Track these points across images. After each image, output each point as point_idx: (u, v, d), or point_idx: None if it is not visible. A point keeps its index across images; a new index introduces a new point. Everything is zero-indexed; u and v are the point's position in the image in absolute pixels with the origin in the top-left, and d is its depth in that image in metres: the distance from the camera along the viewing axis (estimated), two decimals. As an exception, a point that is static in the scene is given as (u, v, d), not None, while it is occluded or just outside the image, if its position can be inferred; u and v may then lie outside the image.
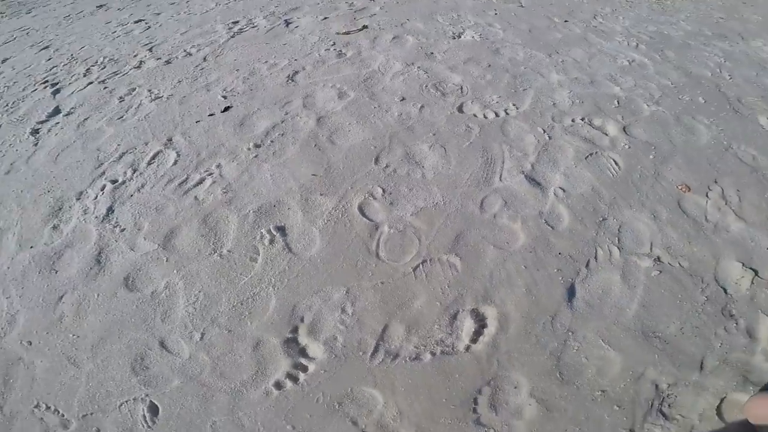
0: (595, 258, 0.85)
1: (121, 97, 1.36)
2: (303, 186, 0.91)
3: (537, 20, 1.81)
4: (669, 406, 0.76)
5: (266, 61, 1.41)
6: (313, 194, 0.89)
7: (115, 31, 2.04)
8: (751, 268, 0.90)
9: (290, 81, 1.26)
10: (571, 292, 0.80)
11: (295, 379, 0.67)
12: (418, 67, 1.28)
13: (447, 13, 1.77)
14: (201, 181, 0.95)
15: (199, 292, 0.76)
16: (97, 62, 1.68)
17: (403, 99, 1.11)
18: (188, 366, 0.67)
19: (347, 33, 1.53)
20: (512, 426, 0.69)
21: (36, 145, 1.20)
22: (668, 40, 1.94)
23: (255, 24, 1.79)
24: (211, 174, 0.97)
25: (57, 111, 1.36)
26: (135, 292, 0.78)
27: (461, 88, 1.17)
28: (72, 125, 1.25)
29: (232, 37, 1.69)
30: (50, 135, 1.23)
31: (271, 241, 0.82)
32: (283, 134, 1.05)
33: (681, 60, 1.69)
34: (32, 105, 1.43)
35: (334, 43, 1.48)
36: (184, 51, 1.63)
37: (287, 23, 1.73)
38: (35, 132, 1.26)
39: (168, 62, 1.55)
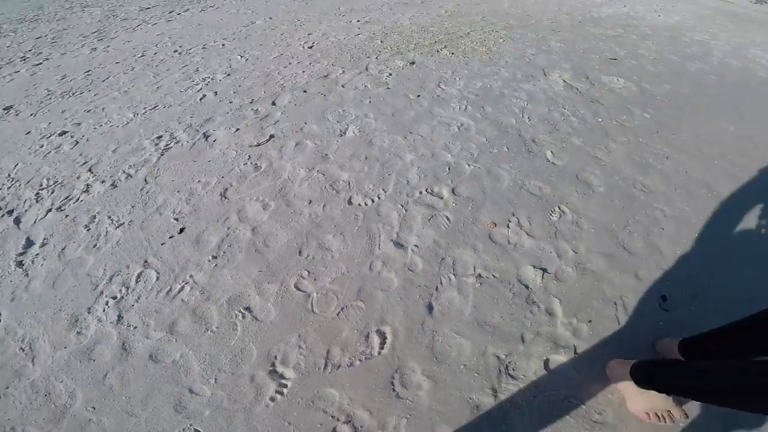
0: (441, 284, 1.43)
1: (86, 225, 1.68)
2: (255, 280, 1.42)
3: (398, 101, 2.46)
4: (513, 369, 1.22)
5: (199, 181, 1.87)
6: (263, 284, 1.41)
7: (43, 145, 2.26)
8: (540, 268, 1.48)
9: (223, 198, 1.75)
10: (430, 308, 1.36)
11: (281, 393, 1.15)
12: (317, 171, 1.85)
13: (335, 110, 2.35)
14: (182, 289, 1.42)
15: (206, 354, 1.24)
16: (42, 185, 1.93)
17: (311, 201, 1.68)
18: (212, 400, 1.14)
19: (258, 145, 2.05)
20: (418, 395, 1.16)
21: (27, 276, 1.49)
22: (488, 94, 2.61)
23: (178, 139, 2.22)
24: (187, 283, 1.44)
25: (30, 242, 1.63)
26: (160, 362, 1.22)
27: (349, 183, 1.77)
28: (53, 256, 1.56)
29: (161, 155, 2.10)
30: (36, 266, 1.52)
31: (243, 317, 1.32)
32: (230, 245, 1.54)
33: (495, 113, 2.39)
34: (0, 235, 1.68)
35: (250, 157, 1.98)
36: (124, 172, 1.98)
37: (206, 137, 2.20)
38: (20, 264, 1.54)
39: (114, 186, 1.89)
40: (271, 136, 2.12)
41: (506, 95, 2.62)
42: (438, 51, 3.30)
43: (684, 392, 1.11)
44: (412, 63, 3.03)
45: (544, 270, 1.50)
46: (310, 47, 3.38)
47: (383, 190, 1.74)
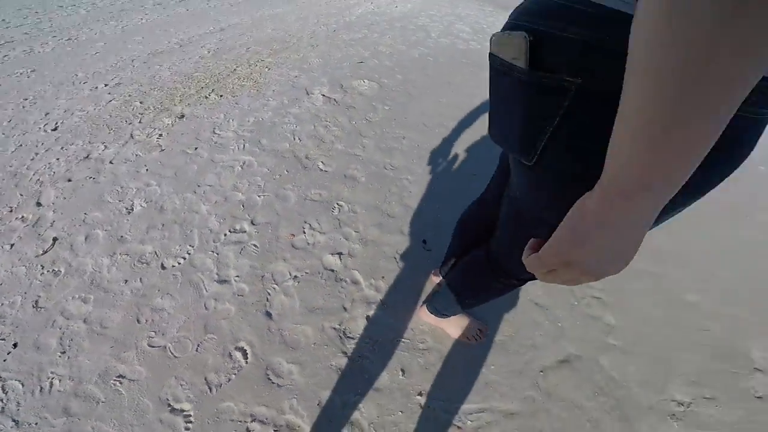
0: (269, 295, 2.04)
1: None
2: (111, 354, 1.77)
3: (176, 159, 2.90)
4: (349, 332, 1.86)
5: (2, 304, 2.03)
6: (120, 354, 1.76)
7: None
8: (337, 253, 2.21)
9: (39, 309, 1.98)
10: (269, 315, 1.93)
11: (190, 422, 1.55)
12: (120, 253, 2.27)
13: (111, 189, 2.68)
14: (52, 384, 1.67)
15: (111, 418, 1.58)
16: None
17: (126, 281, 2.12)
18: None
19: (45, 253, 2.29)
20: (293, 378, 1.69)
21: None
22: (262, 127, 3.21)
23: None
24: (53, 378, 1.69)
25: None
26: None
27: (155, 253, 2.26)
28: None
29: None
30: None
31: (121, 383, 1.69)
32: (72, 339, 1.84)
33: (271, 143, 3.06)
34: None
35: (43, 266, 2.20)
36: None
37: (-25, 263, 2.31)
38: None
39: None
40: (55, 240, 2.33)
41: (277, 123, 3.36)
42: (206, 97, 3.80)
43: (454, 310, 1.65)
44: (182, 117, 3.46)
45: (340, 253, 2.28)
46: (55, 129, 3.45)
47: (190, 245, 2.29)
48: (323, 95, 3.86)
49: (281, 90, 3.89)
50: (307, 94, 3.84)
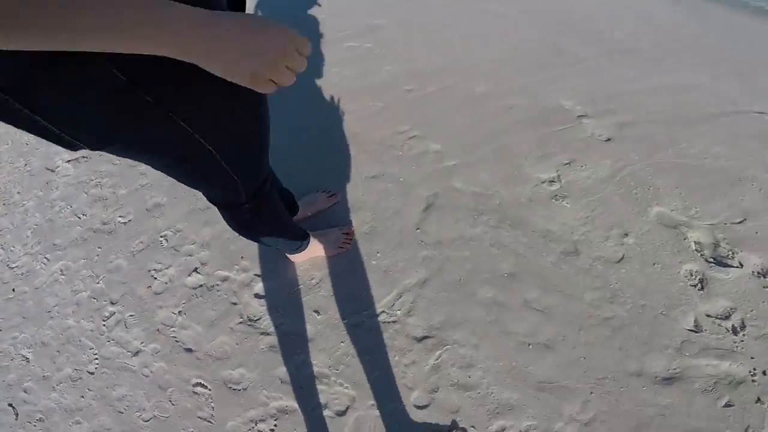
0: (175, 337, 2.72)
1: None
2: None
3: (9, 308, 2.67)
4: (253, 317, 2.35)
5: None
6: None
7: None
8: (194, 271, 2.94)
9: None
10: (189, 349, 2.39)
11: None
12: (56, 384, 2.52)
13: None
14: None
15: None
16: None
17: (82, 396, 2.56)
18: None
19: (16, 417, 2.60)
20: (249, 378, 2.17)
21: None
22: (42, 230, 3.24)
23: None
24: None
25: None
26: None
27: (75, 369, 2.75)
28: None
29: None
30: None
31: None
32: None
33: (65, 237, 2.98)
34: None
35: (28, 422, 2.48)
36: None
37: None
38: None
39: None
40: (11, 405, 2.66)
41: (53, 218, 3.45)
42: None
43: (296, 243, 1.96)
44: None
45: (195, 269, 2.85)
46: None
47: (90, 349, 2.62)
48: (67, 161, 3.88)
49: (24, 187, 3.83)
50: (52, 171, 3.84)
